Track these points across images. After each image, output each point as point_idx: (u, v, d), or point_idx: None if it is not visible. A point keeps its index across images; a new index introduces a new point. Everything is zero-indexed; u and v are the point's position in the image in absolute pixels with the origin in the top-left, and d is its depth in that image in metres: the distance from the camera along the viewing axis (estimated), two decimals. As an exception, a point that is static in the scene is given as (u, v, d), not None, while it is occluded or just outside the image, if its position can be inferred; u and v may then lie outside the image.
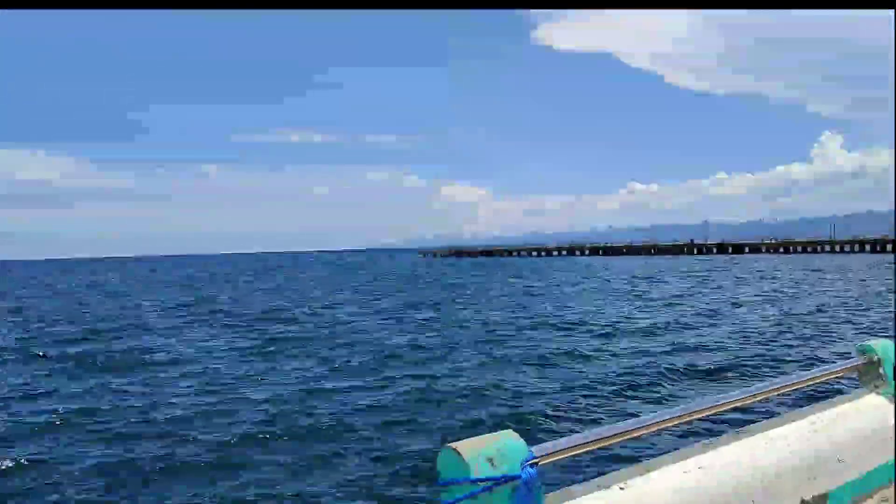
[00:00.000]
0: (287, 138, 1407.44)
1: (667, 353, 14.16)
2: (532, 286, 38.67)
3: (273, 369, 13.57)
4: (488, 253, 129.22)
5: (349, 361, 14.22)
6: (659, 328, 18.20)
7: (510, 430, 1.45)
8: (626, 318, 21.10)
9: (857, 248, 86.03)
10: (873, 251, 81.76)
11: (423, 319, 22.41)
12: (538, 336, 17.39)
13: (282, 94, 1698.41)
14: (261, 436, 8.62)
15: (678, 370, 12.27)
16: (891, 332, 15.65)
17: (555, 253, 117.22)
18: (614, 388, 10.96)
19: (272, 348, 16.37)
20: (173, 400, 10.89)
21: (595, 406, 9.91)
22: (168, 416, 9.80)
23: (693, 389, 10.94)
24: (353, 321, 22.40)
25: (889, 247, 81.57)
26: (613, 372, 12.29)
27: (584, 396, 10.42)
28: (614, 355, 14.16)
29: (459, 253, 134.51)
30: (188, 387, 11.97)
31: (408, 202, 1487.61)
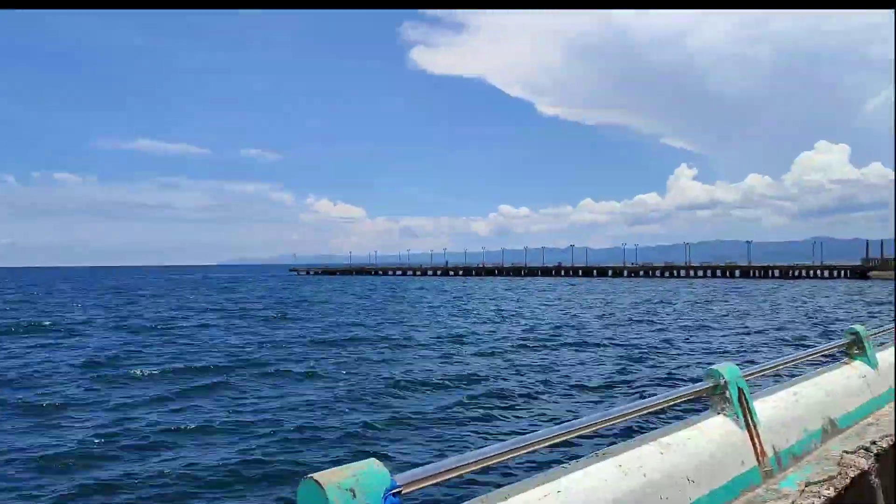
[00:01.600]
0: (152, 149, 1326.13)
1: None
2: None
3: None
4: (362, 272, 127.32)
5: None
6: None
7: (373, 459, 1.43)
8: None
9: (708, 273, 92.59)
10: (723, 276, 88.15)
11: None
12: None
13: (151, 103, 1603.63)
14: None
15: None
16: (735, 358, 15.61)
17: (430, 273, 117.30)
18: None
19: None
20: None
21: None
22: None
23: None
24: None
25: (737, 272, 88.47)
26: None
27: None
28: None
29: (332, 271, 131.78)
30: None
31: (280, 219, 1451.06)
